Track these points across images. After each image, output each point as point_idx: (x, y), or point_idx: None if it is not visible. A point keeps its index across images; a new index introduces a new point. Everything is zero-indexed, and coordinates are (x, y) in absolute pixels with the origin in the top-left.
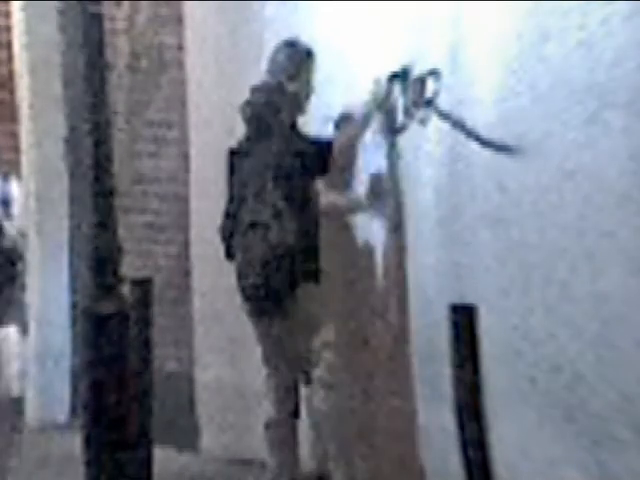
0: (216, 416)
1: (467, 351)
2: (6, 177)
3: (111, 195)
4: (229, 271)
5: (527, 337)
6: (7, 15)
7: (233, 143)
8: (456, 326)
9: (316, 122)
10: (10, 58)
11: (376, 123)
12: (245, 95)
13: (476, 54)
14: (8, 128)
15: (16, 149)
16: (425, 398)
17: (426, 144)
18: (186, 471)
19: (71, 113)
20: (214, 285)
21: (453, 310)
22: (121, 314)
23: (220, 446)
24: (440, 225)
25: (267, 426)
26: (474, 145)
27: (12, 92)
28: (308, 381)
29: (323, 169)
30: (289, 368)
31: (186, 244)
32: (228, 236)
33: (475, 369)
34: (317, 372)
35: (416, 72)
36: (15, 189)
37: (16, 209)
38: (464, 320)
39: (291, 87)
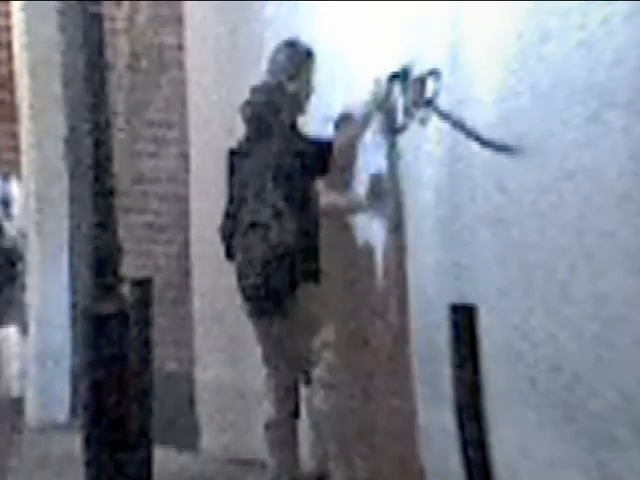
0: (216, 416)
1: (467, 351)
2: (6, 177)
3: (111, 195)
4: (229, 271)
5: (527, 337)
6: (7, 15)
7: (233, 143)
8: (456, 326)
9: (316, 122)
10: (10, 58)
11: (376, 123)
12: (245, 95)
13: (476, 54)
14: (8, 128)
15: (16, 149)
16: (425, 398)
17: (426, 144)
18: (186, 471)
19: (71, 113)
20: (214, 285)
21: (453, 310)
22: (121, 314)
23: (220, 446)
24: (440, 225)
25: (267, 426)
26: (474, 145)
27: (12, 92)
28: (308, 381)
29: (323, 169)
30: (289, 368)
31: (186, 244)
32: (228, 236)
33: (475, 369)
34: (317, 372)
35: (416, 72)
36: (15, 189)
37: (16, 209)
38: (464, 320)
39: (291, 87)
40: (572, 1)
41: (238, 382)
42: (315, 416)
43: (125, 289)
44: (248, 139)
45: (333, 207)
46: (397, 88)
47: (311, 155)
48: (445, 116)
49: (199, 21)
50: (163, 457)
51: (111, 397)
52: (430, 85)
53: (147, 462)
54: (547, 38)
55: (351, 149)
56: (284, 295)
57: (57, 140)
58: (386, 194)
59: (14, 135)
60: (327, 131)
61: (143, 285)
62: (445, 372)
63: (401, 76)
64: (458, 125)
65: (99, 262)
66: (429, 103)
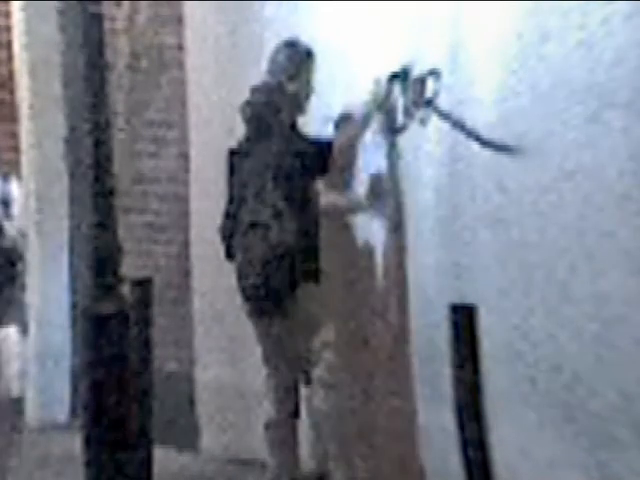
0: (216, 416)
1: (467, 351)
2: (6, 177)
3: (111, 195)
4: (229, 271)
5: (527, 337)
6: (7, 15)
7: (233, 143)
8: (456, 326)
9: (316, 122)
10: (10, 58)
11: (376, 123)
12: (245, 95)
13: (476, 54)
14: (8, 128)
15: (16, 149)
16: (425, 398)
17: (426, 144)
18: (186, 471)
19: (71, 113)
20: (214, 285)
21: (453, 310)
22: (121, 314)
23: (220, 446)
24: (440, 225)
25: (267, 426)
26: (474, 145)
27: (12, 92)
28: (308, 381)
29: (323, 169)
30: (289, 368)
31: (186, 244)
32: (228, 236)
33: (475, 369)
34: (317, 372)
35: (416, 72)
36: (15, 189)
37: (16, 209)
38: (464, 320)
39: (291, 87)
40: (572, 1)
41: (238, 382)
42: (315, 416)
43: (125, 289)
44: (248, 139)
45: (333, 207)
46: (397, 88)
47: (311, 155)
48: (445, 116)
49: (199, 21)
50: (163, 457)
51: (111, 397)
52: (430, 85)
53: (147, 462)
54: (547, 38)
55: (351, 149)
56: (284, 295)
57: (57, 140)
58: (386, 194)
59: (14, 135)
60: (327, 131)
61: (143, 285)
62: (445, 372)
63: (401, 76)
64: (458, 125)
65: (99, 262)
66: (429, 103)
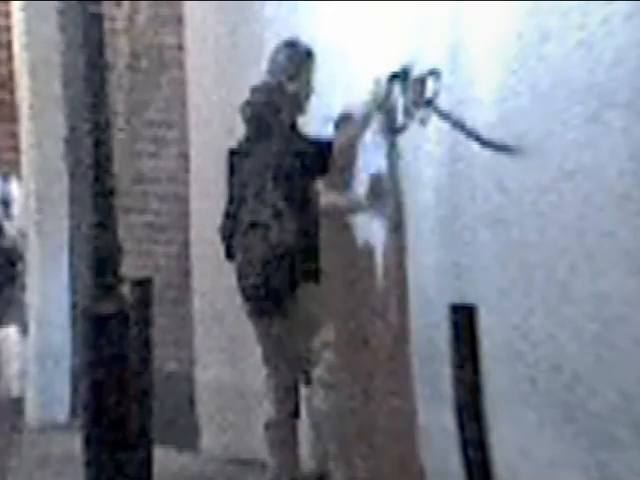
0: (216, 416)
1: (467, 351)
2: (6, 177)
3: (111, 195)
4: (229, 271)
5: (527, 337)
6: (7, 15)
7: (233, 143)
8: (456, 326)
9: (316, 122)
10: (10, 58)
11: (376, 123)
12: (245, 95)
13: (476, 54)
14: (8, 128)
15: (16, 149)
16: (425, 398)
17: (426, 144)
18: (186, 471)
19: (71, 113)
20: (214, 285)
21: (453, 310)
22: (121, 314)
23: (220, 446)
24: (440, 225)
25: (267, 426)
26: (474, 145)
27: (12, 92)
28: (308, 381)
29: (323, 169)
30: (289, 368)
31: (186, 244)
32: (228, 236)
33: (475, 369)
34: (317, 372)
35: (416, 72)
36: (15, 189)
37: (16, 209)
38: (464, 320)
39: (291, 87)
40: (572, 1)
41: (238, 382)
42: (315, 416)
43: (125, 289)
44: (248, 139)
45: (333, 207)
46: (397, 88)
47: (311, 155)
48: (445, 116)
49: (199, 21)
50: (163, 457)
51: (111, 397)
52: (430, 85)
53: (147, 462)
54: (547, 38)
55: (351, 149)
56: (284, 295)
57: (57, 140)
58: (386, 194)
59: (14, 135)
60: (327, 131)
61: (143, 285)
62: (445, 372)
63: (401, 76)
64: (458, 125)
65: (99, 262)
66: (429, 103)
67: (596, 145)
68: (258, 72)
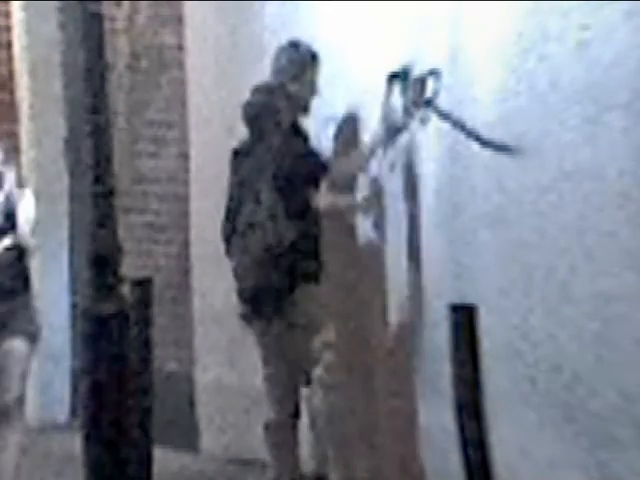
0: (216, 416)
1: (467, 351)
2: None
3: (111, 195)
4: (229, 271)
5: (527, 337)
6: (7, 15)
7: (233, 143)
8: (456, 326)
9: (317, 122)
10: (10, 58)
11: (377, 123)
12: (245, 95)
13: (476, 54)
14: (8, 128)
15: (16, 149)
16: (425, 398)
17: (426, 144)
18: (186, 471)
19: (71, 113)
20: (214, 285)
21: (453, 310)
22: (121, 314)
23: (220, 446)
24: (440, 225)
25: (267, 427)
26: (474, 145)
27: (12, 92)
28: (308, 381)
29: (315, 185)
30: (289, 368)
31: (186, 244)
32: (228, 236)
33: (475, 369)
34: (317, 372)
35: (416, 72)
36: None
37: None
38: (464, 320)
39: (293, 88)
40: (572, 1)
41: (238, 382)
42: (315, 416)
43: (125, 289)
44: (249, 139)
45: (334, 208)
46: (397, 88)
47: (308, 158)
48: (445, 116)
49: (199, 21)
50: (163, 457)
51: (111, 397)
52: (430, 85)
53: (147, 462)
54: (547, 38)
55: (354, 176)
56: (282, 296)
57: (57, 140)
58: (385, 195)
59: (14, 135)
60: (328, 132)
61: (143, 285)
62: (445, 372)
63: (401, 76)
64: (458, 125)
65: (99, 262)
66: (429, 103)
67: (596, 145)
68: (258, 72)
